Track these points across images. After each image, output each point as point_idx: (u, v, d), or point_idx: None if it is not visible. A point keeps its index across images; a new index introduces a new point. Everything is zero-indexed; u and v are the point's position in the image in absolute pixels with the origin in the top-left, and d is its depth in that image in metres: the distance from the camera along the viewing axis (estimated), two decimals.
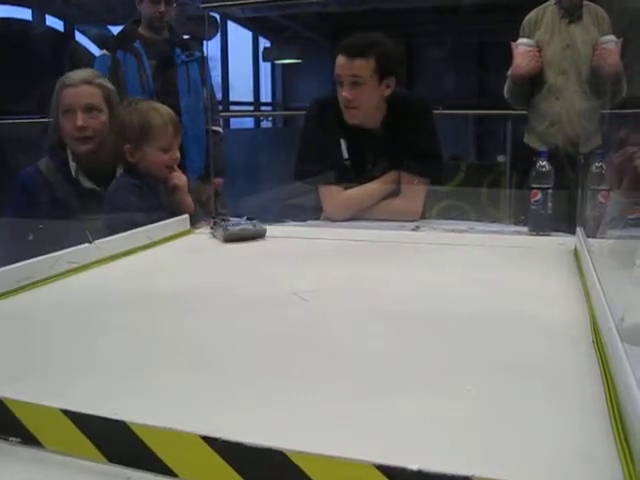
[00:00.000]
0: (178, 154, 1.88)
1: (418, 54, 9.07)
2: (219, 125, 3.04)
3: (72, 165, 1.88)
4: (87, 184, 1.88)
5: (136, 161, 1.83)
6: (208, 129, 2.82)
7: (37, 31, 7.09)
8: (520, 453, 0.55)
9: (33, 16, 7.13)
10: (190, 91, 2.79)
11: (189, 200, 1.87)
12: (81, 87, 1.90)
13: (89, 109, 1.88)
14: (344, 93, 1.94)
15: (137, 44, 2.72)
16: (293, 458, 0.53)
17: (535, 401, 0.65)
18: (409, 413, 0.62)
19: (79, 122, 1.85)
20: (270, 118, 9.52)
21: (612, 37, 2.44)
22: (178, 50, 2.80)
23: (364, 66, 1.92)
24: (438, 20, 8.07)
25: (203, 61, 2.88)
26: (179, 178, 1.86)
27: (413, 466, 0.51)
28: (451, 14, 7.82)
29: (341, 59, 1.94)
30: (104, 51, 2.74)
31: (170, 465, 0.57)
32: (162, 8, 2.70)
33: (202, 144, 2.78)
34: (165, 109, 1.92)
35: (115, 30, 6.66)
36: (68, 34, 7.39)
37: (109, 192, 1.81)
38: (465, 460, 0.54)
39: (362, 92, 1.93)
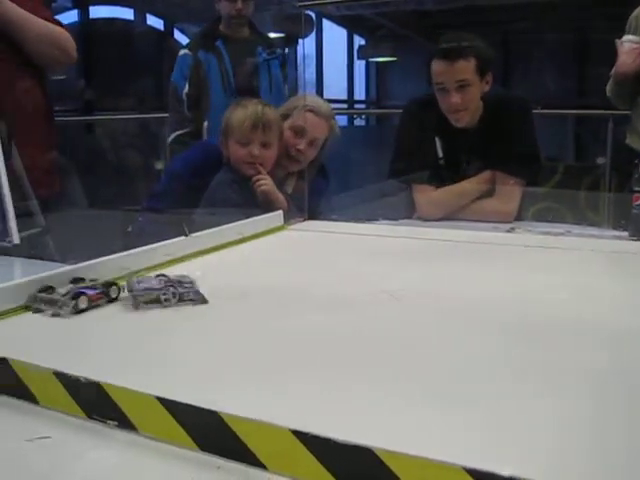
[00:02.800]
0: (258, 151, 1.92)
1: (515, 52, 8.89)
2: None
3: None
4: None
5: (227, 155, 1.89)
6: None
7: (139, 30, 7.30)
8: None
9: (135, 16, 7.35)
10: (271, 89, 2.79)
11: (280, 198, 1.90)
12: (320, 119, 2.08)
13: (312, 141, 2.06)
14: (453, 99, 1.91)
15: (219, 43, 2.74)
16: (382, 456, 0.53)
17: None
18: (502, 417, 0.61)
19: (302, 147, 2.04)
20: (363, 116, 9.51)
21: (631, 37, 2.33)
22: (259, 48, 2.80)
23: (467, 67, 1.89)
24: (536, 16, 7.88)
25: (285, 59, 2.87)
26: (265, 183, 1.90)
27: (505, 472, 0.50)
28: (550, 10, 7.63)
29: (441, 64, 1.91)
30: (185, 50, 2.78)
31: (260, 457, 0.57)
32: (239, 5, 2.70)
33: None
34: (254, 106, 1.96)
35: None
36: (168, 33, 7.58)
37: (211, 187, 1.87)
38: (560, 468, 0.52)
39: (469, 94, 1.91)
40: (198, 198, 1.92)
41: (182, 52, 2.79)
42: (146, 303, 0.93)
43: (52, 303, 0.91)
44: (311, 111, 2.07)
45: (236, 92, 2.69)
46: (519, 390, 0.67)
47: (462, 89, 1.91)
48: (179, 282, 0.96)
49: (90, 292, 0.93)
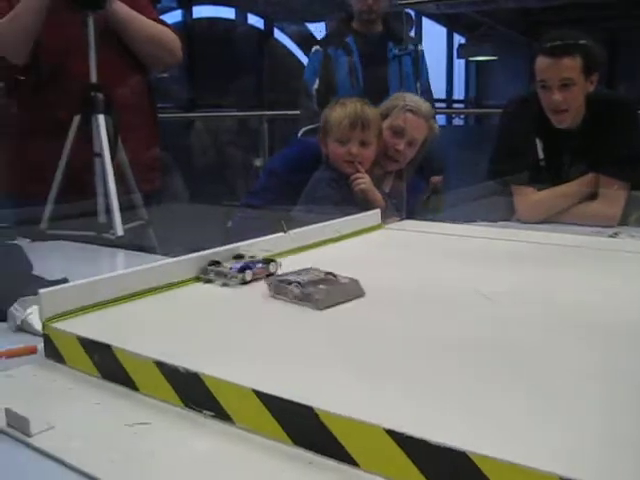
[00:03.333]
0: (356, 150, 1.93)
1: (622, 50, 8.58)
2: (435, 121, 3.00)
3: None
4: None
5: (325, 152, 1.91)
6: None
7: (240, 29, 7.43)
8: None
9: (236, 15, 7.49)
10: (402, 86, 2.77)
11: (378, 196, 1.90)
12: (419, 119, 2.13)
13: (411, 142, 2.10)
14: (555, 97, 1.86)
15: (349, 39, 2.75)
16: (476, 460, 0.52)
17: None
18: (598, 430, 0.58)
19: (401, 147, 2.07)
20: (462, 116, 9.40)
21: None
22: (390, 44, 2.79)
23: (572, 66, 1.84)
24: None
25: (417, 55, 2.85)
26: (364, 181, 1.91)
27: None
28: None
29: (545, 61, 1.87)
30: (317, 47, 2.81)
31: (352, 454, 0.57)
32: (369, 1, 2.71)
33: None
34: (354, 105, 1.98)
35: (313, 27, 6.85)
36: (268, 32, 7.69)
37: (309, 184, 1.90)
38: None
39: (572, 93, 1.86)
40: (296, 195, 1.95)
41: (314, 48, 2.83)
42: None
43: (221, 275, 1.04)
44: (410, 111, 2.07)
45: (364, 88, 2.70)
46: (622, 402, 0.64)
47: (565, 88, 1.86)
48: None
49: (254, 266, 1.05)
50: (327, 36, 2.91)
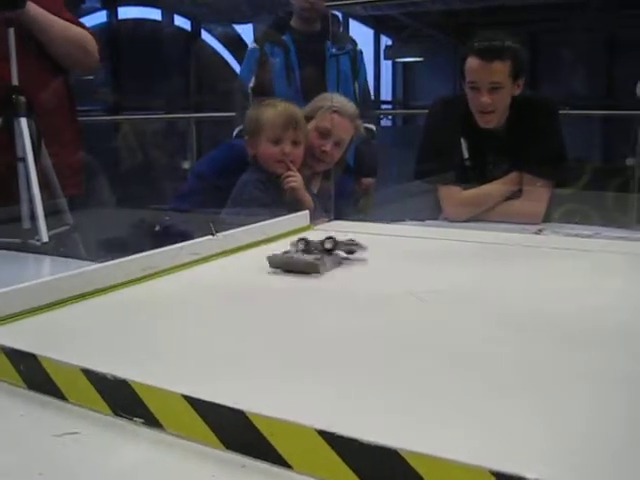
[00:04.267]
0: (289, 149, 1.93)
1: (543, 52, 8.82)
2: (372, 122, 2.99)
3: None
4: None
5: (254, 153, 1.90)
6: None
7: (166, 31, 7.35)
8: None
9: (163, 16, 7.40)
10: (339, 86, 2.76)
11: (308, 197, 1.90)
12: (344, 120, 2.14)
13: (338, 142, 2.12)
14: (483, 99, 1.90)
15: (286, 37, 2.73)
16: (407, 457, 0.53)
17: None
18: (526, 419, 0.60)
19: (328, 148, 2.07)
20: (390, 116, 9.50)
21: None
22: (329, 43, 2.77)
23: (502, 69, 1.88)
24: (565, 16, 7.82)
25: (355, 55, 2.84)
26: (295, 179, 1.91)
27: (531, 475, 0.49)
28: (579, 10, 7.56)
29: (476, 62, 1.90)
30: (254, 44, 2.78)
31: (285, 456, 0.57)
32: None
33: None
34: (284, 105, 1.98)
35: (240, 28, 6.82)
36: (195, 33, 7.62)
37: (237, 186, 1.90)
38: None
39: (500, 96, 1.90)
40: (224, 198, 1.94)
41: (251, 46, 2.79)
42: None
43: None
44: (337, 112, 2.08)
45: (301, 86, 2.68)
46: (555, 395, 0.66)
47: (494, 90, 1.90)
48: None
49: None
50: (264, 34, 2.88)
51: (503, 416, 0.61)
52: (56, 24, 1.87)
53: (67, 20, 1.92)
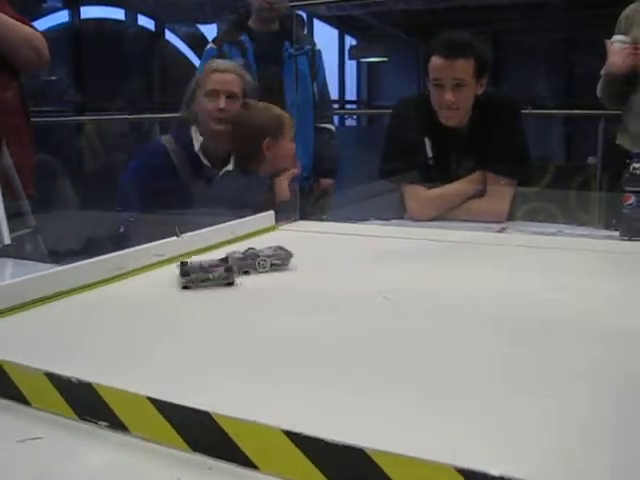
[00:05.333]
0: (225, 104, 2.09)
1: (504, 52, 8.90)
2: (331, 122, 2.99)
3: (198, 139, 2.05)
4: (204, 160, 2.09)
5: (272, 154, 1.94)
6: (316, 126, 2.81)
7: (129, 30, 7.28)
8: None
9: (126, 16, 7.33)
10: (297, 85, 2.75)
11: (285, 187, 1.94)
12: (227, 75, 2.05)
13: (230, 95, 2.10)
14: (447, 96, 1.91)
15: (244, 37, 2.72)
16: (372, 456, 0.53)
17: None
18: (488, 417, 0.61)
19: (221, 105, 2.08)
20: (354, 116, 9.52)
21: (621, 37, 2.34)
22: (287, 43, 2.77)
23: (465, 67, 1.90)
24: (525, 17, 7.90)
25: (314, 55, 2.84)
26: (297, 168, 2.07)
27: (495, 471, 0.50)
28: (539, 10, 7.64)
29: (440, 61, 1.91)
30: (212, 44, 2.77)
31: (251, 457, 0.57)
32: None
33: (309, 142, 2.76)
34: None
35: (204, 28, 6.78)
36: (159, 33, 7.56)
37: (217, 186, 1.92)
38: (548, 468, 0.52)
39: (463, 93, 1.91)
40: (156, 195, 1.96)
41: (209, 46, 2.78)
42: None
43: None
44: (216, 71, 2.12)
45: (258, 86, 2.67)
46: (513, 390, 0.67)
47: (458, 88, 1.91)
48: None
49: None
50: (222, 33, 2.86)
51: (466, 413, 0.61)
52: (6, 24, 1.85)
53: (14, 19, 1.90)
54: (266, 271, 1.12)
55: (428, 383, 0.68)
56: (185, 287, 1.02)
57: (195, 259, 1.11)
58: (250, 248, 1.15)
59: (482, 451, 0.54)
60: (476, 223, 1.81)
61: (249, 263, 1.12)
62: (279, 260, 1.14)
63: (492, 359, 0.75)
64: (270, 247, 1.17)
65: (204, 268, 1.05)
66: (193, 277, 1.03)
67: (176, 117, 2.33)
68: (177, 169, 2.08)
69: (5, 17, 1.85)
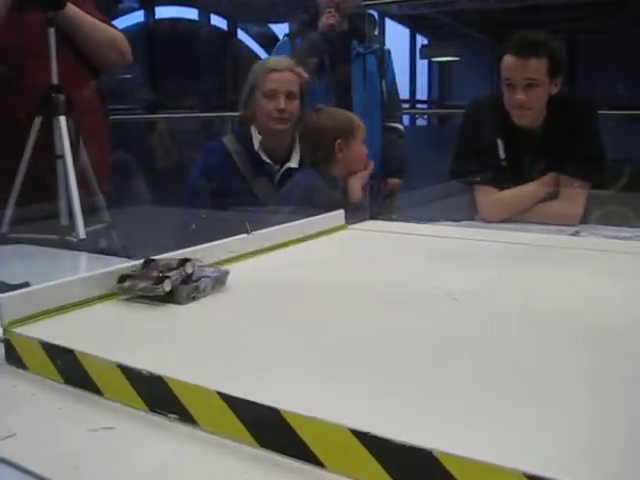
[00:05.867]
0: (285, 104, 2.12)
1: (581, 52, 8.71)
2: (400, 122, 2.99)
3: (257, 138, 2.04)
4: (264, 158, 2.12)
5: (343, 156, 1.97)
6: (384, 125, 2.81)
7: (202, 30, 7.39)
8: None
9: (199, 16, 7.45)
10: (365, 83, 2.76)
11: (358, 188, 1.95)
12: (285, 73, 2.08)
13: (288, 95, 2.12)
14: (518, 96, 1.89)
15: (315, 34, 2.74)
16: (441, 459, 0.52)
17: None
18: (564, 424, 0.59)
19: (281, 105, 2.10)
20: (425, 116, 9.45)
21: None
22: (355, 42, 2.77)
23: (538, 67, 1.87)
24: (603, 15, 7.71)
25: (382, 54, 2.84)
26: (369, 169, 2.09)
27: (567, 479, 0.49)
28: (618, 8, 7.44)
29: (512, 60, 1.89)
30: (285, 38, 2.80)
31: (318, 455, 0.57)
32: None
33: (376, 141, 2.76)
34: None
35: (276, 28, 6.84)
36: (231, 32, 7.65)
37: (289, 185, 1.95)
38: None
39: (536, 93, 1.88)
40: (223, 195, 2.03)
41: (283, 40, 2.82)
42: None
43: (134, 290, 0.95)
44: (274, 70, 2.12)
45: (330, 82, 2.69)
46: (599, 402, 0.65)
47: (530, 88, 1.88)
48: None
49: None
50: (295, 29, 2.88)
51: (539, 418, 0.60)
52: (91, 23, 1.90)
53: (102, 22, 1.96)
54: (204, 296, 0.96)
55: (499, 388, 0.67)
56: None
57: (166, 257, 1.02)
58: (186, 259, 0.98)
59: (554, 457, 0.53)
60: (548, 226, 1.78)
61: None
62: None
63: (572, 366, 0.73)
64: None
65: (146, 275, 0.93)
66: (126, 286, 0.93)
67: (236, 116, 2.35)
68: (240, 169, 2.10)
69: (90, 18, 1.90)
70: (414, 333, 0.83)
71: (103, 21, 1.99)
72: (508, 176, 1.97)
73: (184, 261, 0.96)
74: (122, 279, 0.95)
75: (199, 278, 0.96)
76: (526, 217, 1.90)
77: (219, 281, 0.99)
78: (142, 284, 0.93)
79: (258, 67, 2.20)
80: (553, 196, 1.93)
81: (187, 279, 0.94)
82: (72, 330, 0.84)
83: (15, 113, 1.77)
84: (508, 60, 1.90)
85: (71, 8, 1.85)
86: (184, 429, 0.65)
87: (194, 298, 0.94)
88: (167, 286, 0.91)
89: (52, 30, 1.67)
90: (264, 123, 2.12)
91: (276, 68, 2.15)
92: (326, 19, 2.68)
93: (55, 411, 0.69)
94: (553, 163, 1.95)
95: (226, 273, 1.01)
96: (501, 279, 1.10)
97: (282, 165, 2.13)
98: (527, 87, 1.88)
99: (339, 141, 2.02)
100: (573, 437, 0.57)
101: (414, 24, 9.79)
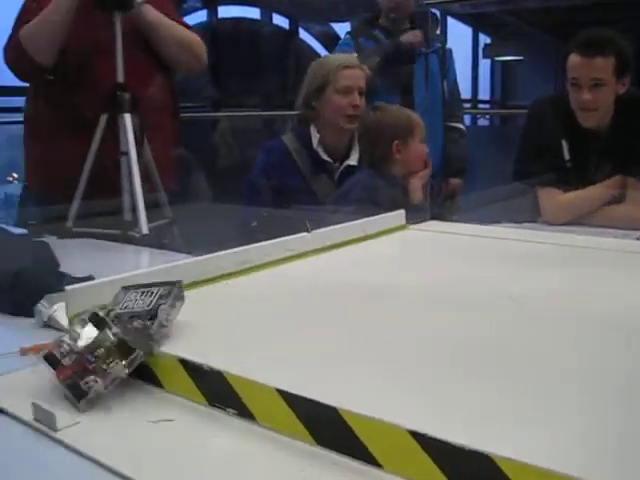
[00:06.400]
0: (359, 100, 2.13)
1: None
2: (461, 122, 2.96)
3: (315, 137, 2.05)
4: (324, 156, 2.13)
5: (402, 157, 1.96)
6: (446, 125, 2.79)
7: (264, 29, 7.44)
8: None
9: (261, 15, 7.49)
10: (427, 83, 2.75)
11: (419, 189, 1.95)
12: (356, 70, 2.08)
13: (360, 91, 2.15)
14: (585, 96, 1.85)
15: (378, 32, 2.74)
16: (499, 463, 0.52)
17: None
18: (622, 434, 0.58)
19: (357, 101, 2.11)
20: (487, 116, 9.33)
21: None
22: None
23: (604, 66, 1.83)
24: None
25: (444, 53, 2.82)
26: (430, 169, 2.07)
27: None
28: None
29: (578, 59, 1.85)
30: (347, 37, 2.81)
31: (376, 455, 0.57)
32: None
33: (438, 141, 2.74)
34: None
35: (337, 27, 6.83)
36: (293, 32, 7.68)
37: (348, 184, 1.95)
38: None
39: (602, 93, 1.84)
40: (282, 193, 2.05)
41: (344, 38, 2.83)
42: None
43: None
44: (347, 67, 2.10)
45: (395, 81, 2.68)
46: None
47: (596, 87, 1.84)
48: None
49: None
50: (357, 28, 2.88)
51: (600, 427, 0.59)
52: (169, 26, 1.94)
53: (178, 23, 1.99)
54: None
55: (560, 392, 0.66)
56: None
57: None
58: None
59: (608, 465, 0.52)
60: (613, 229, 1.74)
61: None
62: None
63: (620, 373, 0.71)
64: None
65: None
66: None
67: (296, 114, 2.36)
68: (299, 167, 2.11)
69: (170, 23, 1.94)
70: (473, 335, 0.82)
71: (181, 23, 2.02)
72: (573, 178, 1.93)
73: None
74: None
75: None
76: (590, 220, 1.86)
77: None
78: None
79: (325, 64, 2.20)
80: (619, 199, 1.89)
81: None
82: None
83: (83, 111, 1.81)
84: (574, 59, 1.86)
85: (151, 12, 1.89)
86: (242, 424, 0.65)
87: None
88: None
89: (118, 29, 1.70)
90: (334, 120, 2.12)
91: (349, 65, 2.15)
92: (407, 37, 2.67)
93: (117, 402, 0.70)
94: (619, 165, 1.90)
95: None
96: (563, 283, 1.08)
97: (341, 163, 2.13)
98: (593, 87, 1.84)
99: (397, 142, 2.00)
100: (627, 444, 0.56)
101: (476, 23, 9.67)
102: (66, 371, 0.69)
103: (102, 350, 0.69)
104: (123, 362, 0.68)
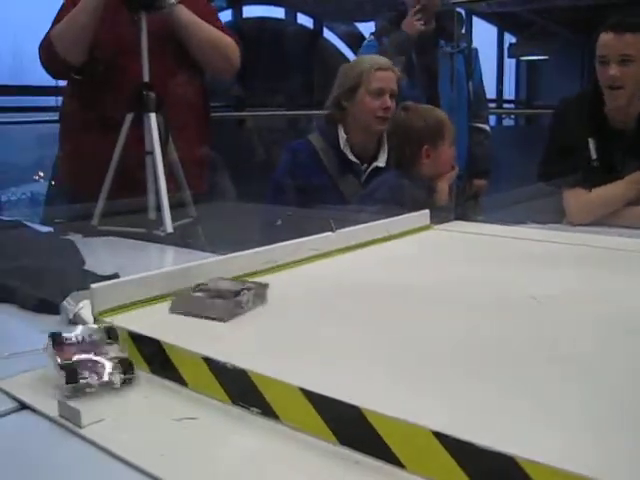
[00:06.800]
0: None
1: None
2: (486, 123, 2.95)
3: (342, 137, 2.06)
4: (351, 157, 2.13)
5: (430, 161, 1.95)
6: (470, 126, 2.78)
7: (289, 29, 7.44)
8: None
9: (286, 14, 7.50)
10: (452, 83, 2.74)
11: (446, 190, 1.94)
12: (389, 72, 2.09)
13: (392, 94, 2.15)
14: (612, 72, 1.82)
15: (402, 33, 2.73)
16: (523, 465, 0.51)
17: None
18: None
19: (389, 103, 2.12)
20: (512, 116, 9.27)
21: None
22: (442, 42, 2.75)
23: (634, 42, 1.80)
24: None
25: (469, 53, 2.80)
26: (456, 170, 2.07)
27: None
28: None
29: (607, 37, 1.83)
30: (372, 37, 2.80)
31: (399, 455, 0.57)
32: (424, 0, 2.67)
33: (463, 141, 2.73)
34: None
35: (362, 27, 6.82)
36: (317, 31, 7.68)
37: (374, 184, 1.95)
38: None
39: (630, 70, 1.81)
40: (308, 192, 2.06)
41: (369, 39, 2.83)
42: None
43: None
44: (380, 69, 2.10)
45: (419, 81, 2.68)
46: None
47: (624, 63, 1.81)
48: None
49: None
50: (381, 28, 2.87)
51: (625, 431, 0.58)
52: (201, 27, 1.95)
53: (216, 26, 2.00)
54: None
55: (584, 395, 0.65)
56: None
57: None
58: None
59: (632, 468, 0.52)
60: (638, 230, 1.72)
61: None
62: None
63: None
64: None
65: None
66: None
67: (323, 114, 2.35)
68: (326, 167, 2.11)
69: (206, 27, 1.95)
70: (495, 334, 0.82)
71: (222, 29, 2.03)
72: (600, 177, 1.91)
73: None
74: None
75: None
76: (616, 220, 1.84)
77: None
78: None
79: (358, 65, 2.20)
80: None
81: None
82: (160, 321, 0.86)
83: (111, 109, 1.83)
84: (604, 37, 1.84)
85: (184, 12, 1.90)
86: (265, 423, 0.65)
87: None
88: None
89: (144, 29, 1.71)
90: (365, 122, 2.12)
91: (382, 67, 2.15)
92: (413, 23, 2.65)
93: (141, 399, 0.71)
94: None
95: None
96: (587, 283, 1.07)
97: (369, 164, 2.13)
98: (621, 63, 1.81)
99: (426, 146, 1.99)
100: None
101: (502, 22, 9.61)
102: (69, 354, 0.73)
103: (107, 356, 0.74)
104: (120, 376, 0.72)
